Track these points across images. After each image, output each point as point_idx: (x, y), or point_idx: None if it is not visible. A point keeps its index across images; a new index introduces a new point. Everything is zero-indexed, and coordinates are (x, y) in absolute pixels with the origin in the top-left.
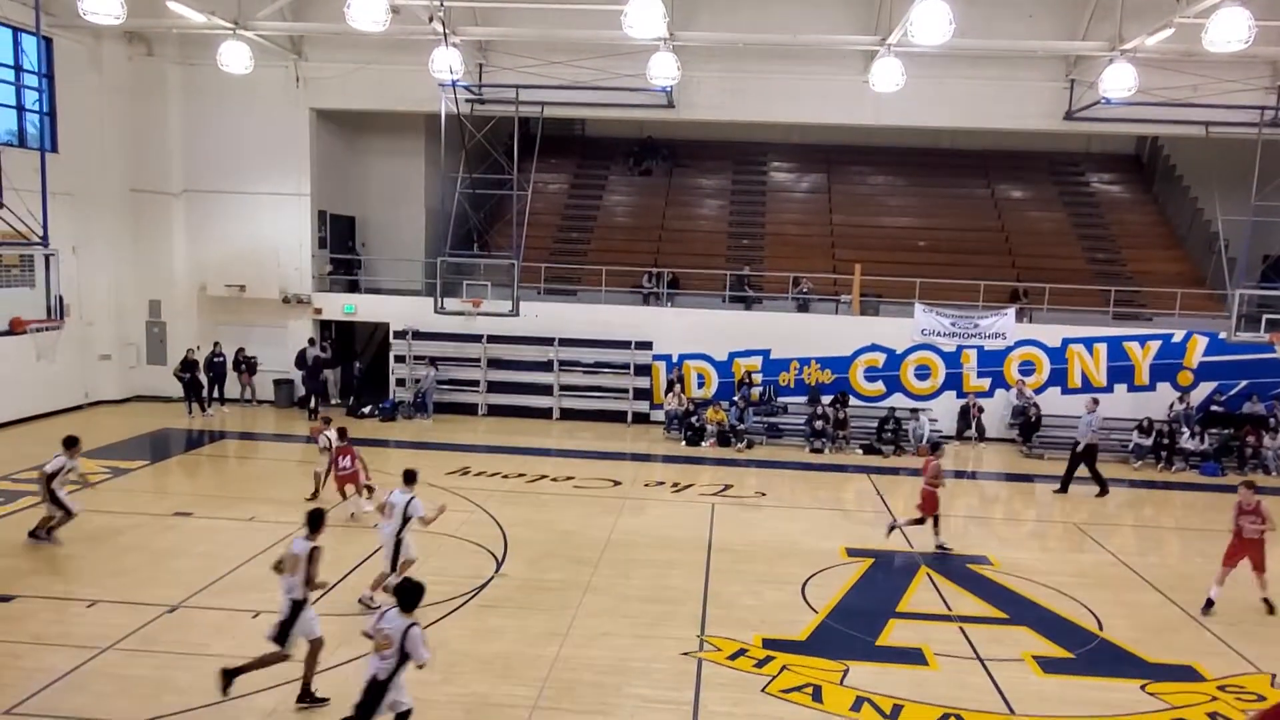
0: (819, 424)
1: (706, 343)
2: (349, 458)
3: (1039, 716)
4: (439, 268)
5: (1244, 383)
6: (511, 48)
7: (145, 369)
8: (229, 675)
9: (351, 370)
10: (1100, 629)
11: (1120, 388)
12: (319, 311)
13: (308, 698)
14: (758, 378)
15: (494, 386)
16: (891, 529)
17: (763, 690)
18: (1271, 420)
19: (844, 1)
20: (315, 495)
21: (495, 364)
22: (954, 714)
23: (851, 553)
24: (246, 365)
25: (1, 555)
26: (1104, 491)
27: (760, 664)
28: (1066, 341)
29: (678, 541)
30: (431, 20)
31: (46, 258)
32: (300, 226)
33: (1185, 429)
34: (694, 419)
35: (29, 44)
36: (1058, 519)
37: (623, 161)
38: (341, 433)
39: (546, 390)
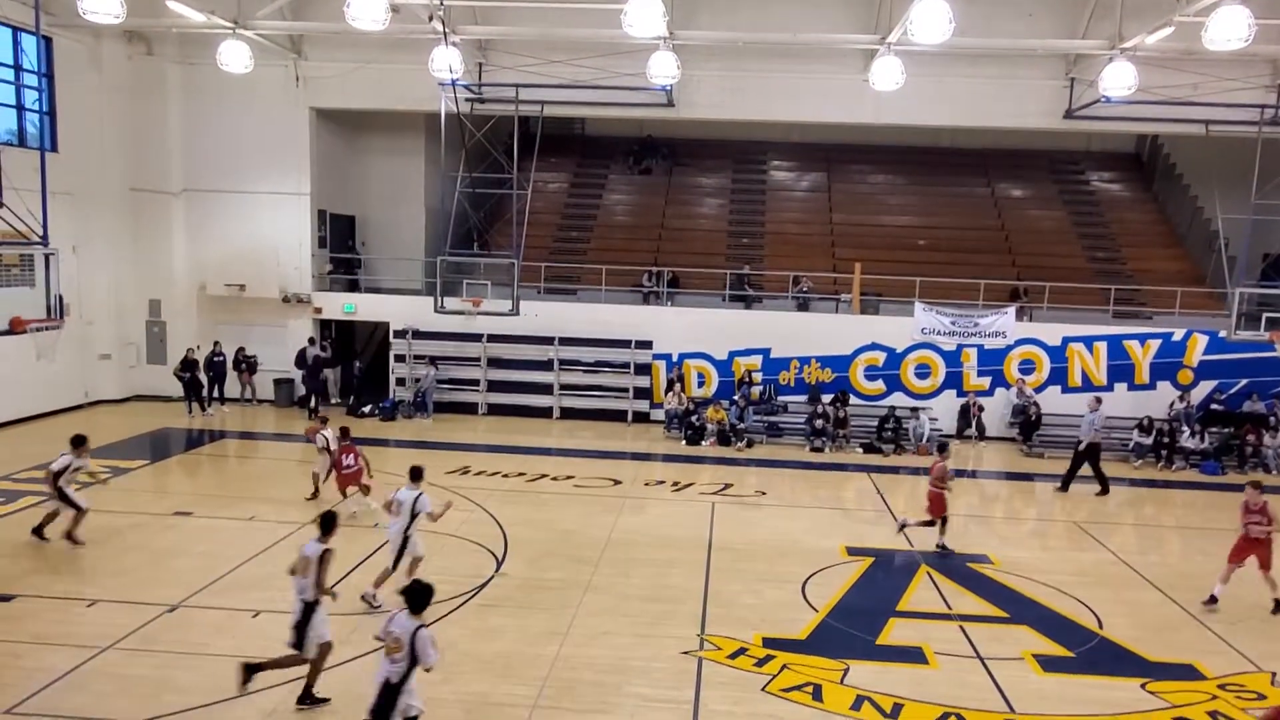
0: (819, 423)
1: (706, 342)
2: (352, 456)
3: (1039, 715)
4: (439, 267)
5: (1244, 381)
6: (511, 47)
7: (145, 368)
8: (250, 670)
9: (351, 369)
10: (1100, 628)
11: (1120, 386)
12: (319, 311)
13: (309, 699)
14: (758, 377)
15: (494, 386)
16: (902, 527)
17: (763, 689)
18: (1272, 419)
19: (844, 0)
20: (315, 495)
21: (495, 363)
22: (954, 713)
23: (852, 551)
24: (246, 365)
25: (2, 555)
26: (1105, 491)
27: (760, 663)
28: (1066, 340)
29: (678, 540)
30: (431, 19)
31: (46, 257)
32: (300, 226)
33: (1185, 428)
34: (694, 418)
35: (29, 43)
36: (1058, 518)
37: (622, 160)
38: (344, 432)
39: (546, 389)
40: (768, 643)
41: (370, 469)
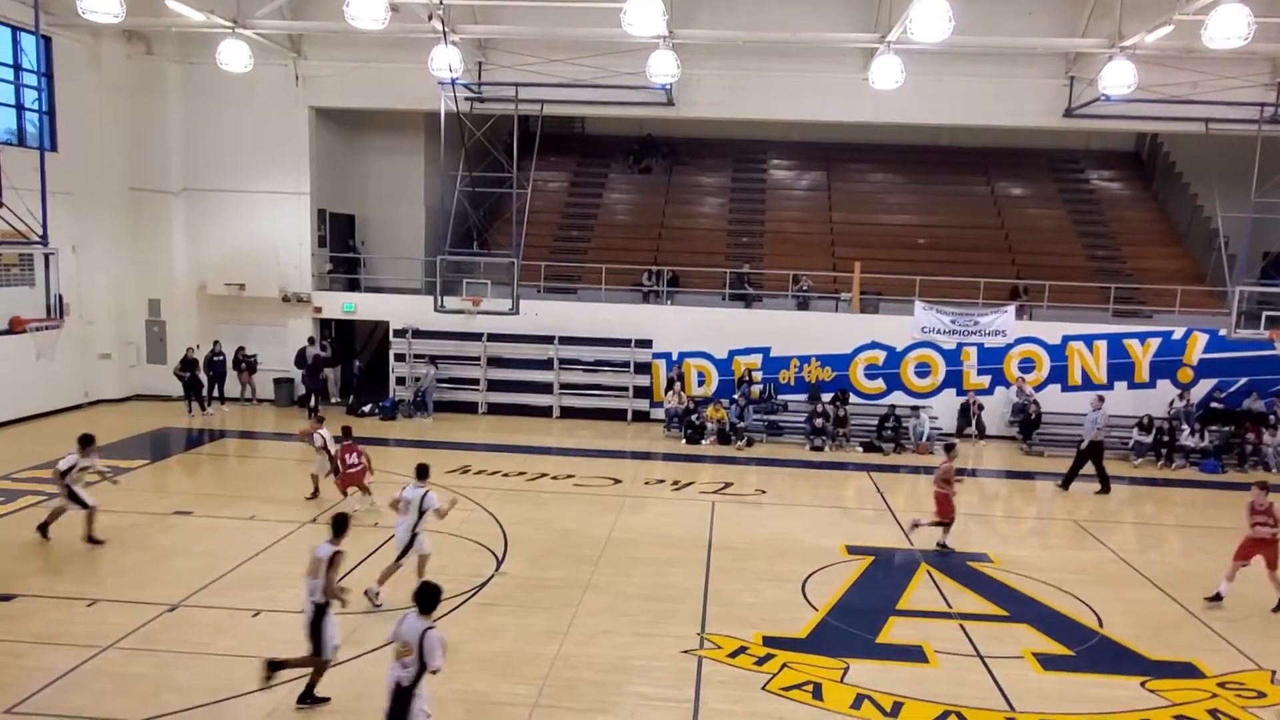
0: (819, 422)
1: (706, 340)
2: (355, 455)
3: (1039, 714)
4: (439, 266)
5: (1244, 380)
6: (511, 46)
7: (145, 368)
8: (273, 667)
9: (351, 369)
10: (1100, 626)
11: (1120, 385)
12: (319, 310)
13: (310, 698)
14: (758, 375)
15: (494, 385)
16: (915, 526)
17: (763, 688)
18: (1271, 417)
19: None
20: (315, 494)
21: (495, 362)
22: (954, 711)
23: (852, 550)
24: (246, 364)
25: (3, 555)
26: (1105, 489)
27: (760, 661)
28: (1066, 339)
29: (678, 539)
30: (431, 18)
31: (46, 257)
32: (300, 225)
33: (1185, 426)
34: (694, 417)
35: (28, 43)
36: (1058, 516)
37: (622, 159)
38: (346, 431)
39: (546, 388)
40: (768, 641)
41: (372, 468)
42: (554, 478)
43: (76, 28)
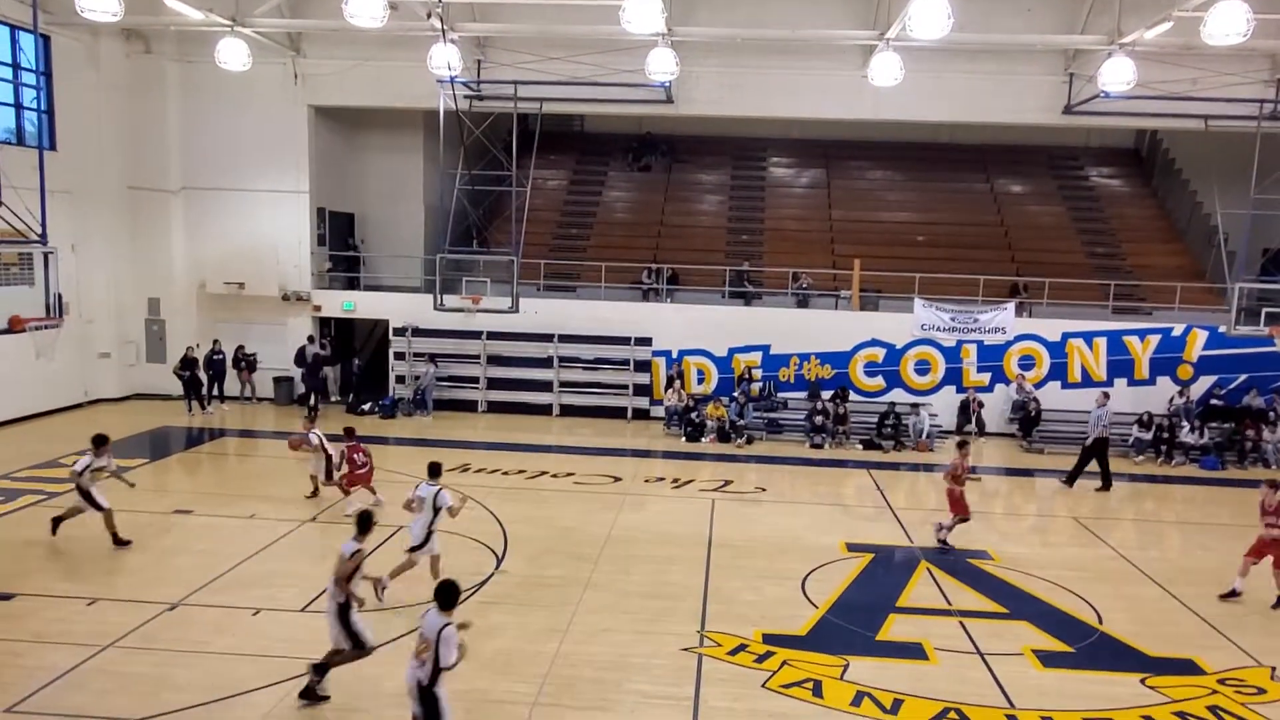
0: (819, 419)
1: (706, 338)
2: (362, 455)
3: (1039, 710)
4: (438, 264)
5: (1244, 376)
6: (510, 44)
7: (145, 367)
8: (319, 670)
9: (351, 367)
10: (1100, 623)
11: (1120, 382)
12: (318, 309)
13: (311, 695)
14: (757, 373)
15: (494, 383)
16: (940, 528)
17: (763, 685)
18: (1271, 414)
19: None
20: (315, 493)
21: (495, 360)
22: (954, 708)
23: (851, 548)
24: (246, 363)
25: (2, 554)
26: (1106, 486)
27: (760, 659)
28: (1066, 336)
29: (678, 537)
30: (430, 16)
31: (45, 255)
32: (299, 223)
33: (1185, 423)
34: (694, 415)
35: (27, 42)
36: (1058, 513)
37: (622, 157)
38: (349, 432)
39: (546, 387)
40: (768, 639)
41: (373, 466)
42: (554, 476)
43: (75, 26)
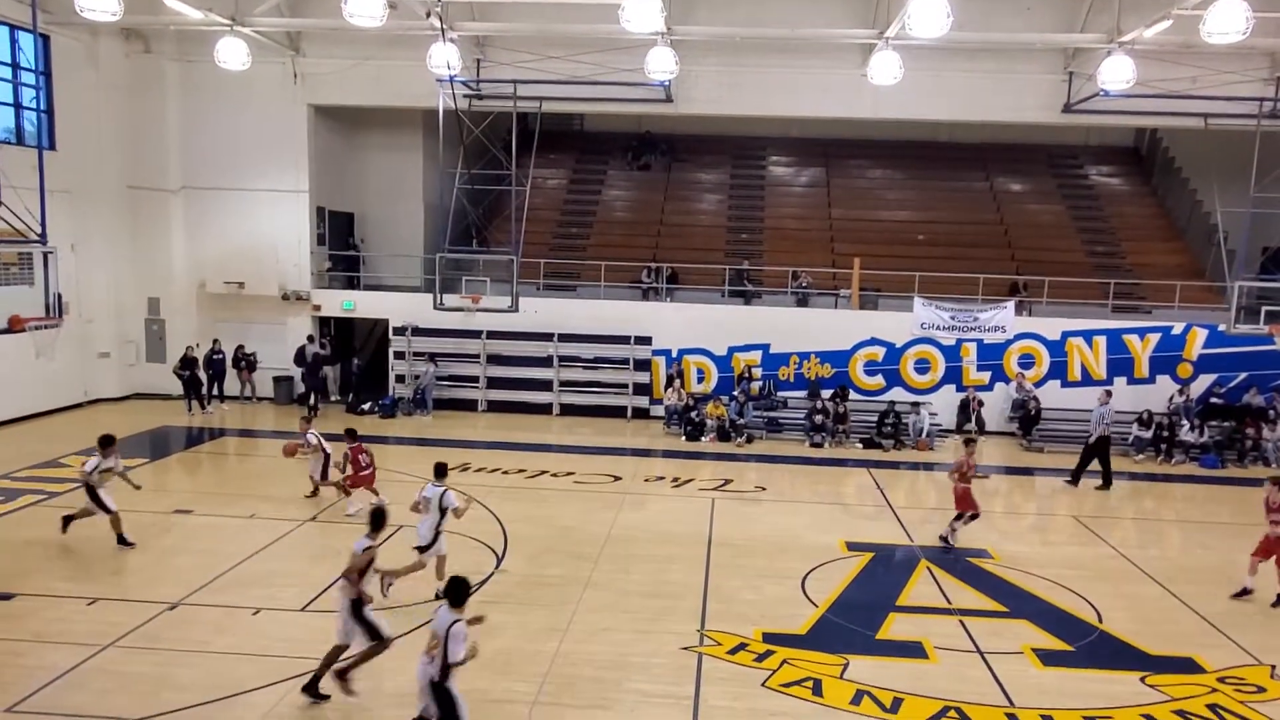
0: (819, 418)
1: (706, 337)
2: (365, 456)
3: (1039, 709)
4: (438, 264)
5: (1244, 375)
6: (509, 43)
7: (144, 366)
8: (343, 677)
9: (351, 367)
10: (1100, 622)
11: (1120, 380)
12: (318, 308)
13: (313, 691)
14: (757, 372)
15: (493, 382)
16: (954, 531)
17: (763, 684)
18: (1271, 412)
19: None
20: (315, 493)
21: (495, 360)
22: (954, 707)
23: (851, 547)
24: (246, 362)
25: (2, 554)
26: (1107, 485)
27: (760, 658)
28: (1066, 334)
29: (678, 536)
30: (429, 15)
31: (45, 255)
32: (299, 223)
33: (1185, 421)
34: (694, 414)
35: (26, 41)
36: (1057, 512)
37: (621, 156)
38: (351, 433)
39: (546, 386)
40: (768, 638)
41: (375, 468)
42: (554, 475)
43: (75, 26)
